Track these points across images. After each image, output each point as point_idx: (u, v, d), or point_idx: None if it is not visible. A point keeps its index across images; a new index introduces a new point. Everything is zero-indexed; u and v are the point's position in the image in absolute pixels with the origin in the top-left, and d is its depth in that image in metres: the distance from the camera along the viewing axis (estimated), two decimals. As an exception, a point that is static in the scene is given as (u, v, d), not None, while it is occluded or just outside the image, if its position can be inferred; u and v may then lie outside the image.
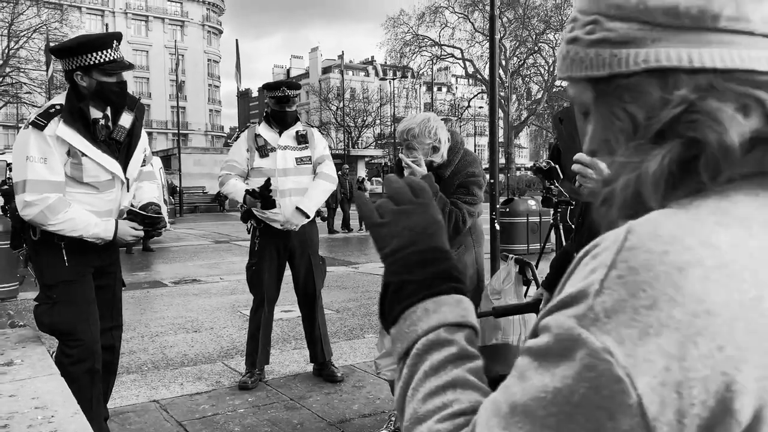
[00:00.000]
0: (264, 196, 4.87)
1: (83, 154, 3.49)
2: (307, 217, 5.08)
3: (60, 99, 3.60)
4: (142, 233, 3.74)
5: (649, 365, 0.61)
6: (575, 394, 0.63)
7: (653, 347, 0.61)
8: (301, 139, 5.19)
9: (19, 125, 42.77)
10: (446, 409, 0.77)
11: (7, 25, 40.94)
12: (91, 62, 3.48)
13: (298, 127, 5.25)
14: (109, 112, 3.61)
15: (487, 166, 8.35)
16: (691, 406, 0.61)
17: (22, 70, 41.50)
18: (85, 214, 3.52)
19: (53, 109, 3.50)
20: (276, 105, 5.19)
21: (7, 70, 41.02)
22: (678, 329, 0.61)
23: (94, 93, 3.53)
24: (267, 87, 5.26)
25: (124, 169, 3.69)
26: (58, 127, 3.44)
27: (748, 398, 0.61)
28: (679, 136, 0.70)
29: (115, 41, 3.57)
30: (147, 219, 3.75)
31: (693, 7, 0.70)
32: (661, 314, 0.62)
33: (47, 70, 31.66)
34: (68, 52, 3.53)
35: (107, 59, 3.50)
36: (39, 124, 3.44)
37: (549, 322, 0.67)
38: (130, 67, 3.68)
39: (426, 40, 50.35)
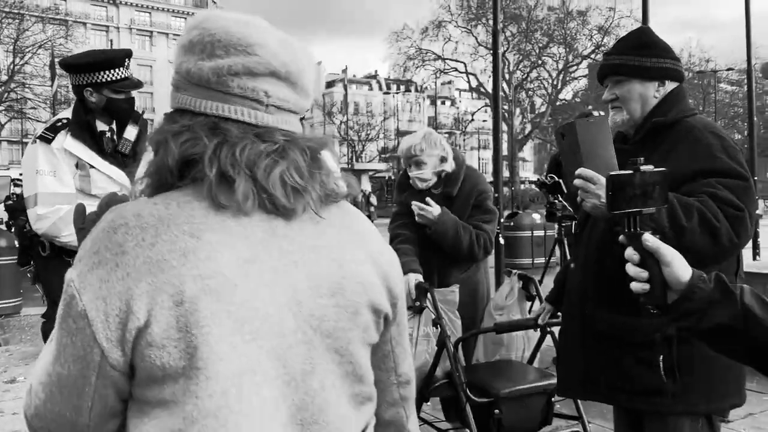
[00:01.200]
0: None
1: (91, 166, 3.51)
2: None
3: (66, 113, 3.62)
4: None
5: (90, 287, 1.04)
6: (62, 309, 1.08)
7: (94, 276, 1.05)
8: None
9: (24, 140, 43.00)
10: None
11: (13, 40, 41.23)
12: (103, 80, 3.49)
13: None
14: (114, 125, 3.63)
15: (491, 179, 8.35)
16: (112, 310, 1.03)
17: (27, 85, 41.74)
18: None
19: (60, 123, 3.53)
20: None
21: (12, 85, 41.25)
22: (107, 264, 1.05)
23: (103, 109, 3.55)
24: None
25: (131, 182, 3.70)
26: (65, 140, 3.46)
27: (142, 303, 1.02)
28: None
29: (126, 59, 3.59)
30: None
31: (195, 73, 1.13)
32: (100, 255, 1.06)
33: (52, 86, 31.83)
34: (80, 69, 3.54)
35: (118, 77, 3.52)
36: (46, 138, 3.46)
37: None
38: (139, 85, 3.70)
39: (429, 54, 50.46)
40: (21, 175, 3.87)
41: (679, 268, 1.35)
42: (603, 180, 2.08)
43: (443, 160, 3.68)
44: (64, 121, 3.54)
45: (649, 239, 1.36)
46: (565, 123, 2.33)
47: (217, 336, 1.03)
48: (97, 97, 3.53)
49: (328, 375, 1.14)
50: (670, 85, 2.42)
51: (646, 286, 1.37)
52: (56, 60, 29.70)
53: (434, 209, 3.54)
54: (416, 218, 3.60)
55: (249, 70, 1.12)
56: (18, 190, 15.26)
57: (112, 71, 3.50)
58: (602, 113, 2.47)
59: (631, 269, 1.38)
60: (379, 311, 1.21)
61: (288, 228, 1.14)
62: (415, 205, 3.58)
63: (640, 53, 2.40)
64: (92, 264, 1.06)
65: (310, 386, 1.11)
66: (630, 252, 1.39)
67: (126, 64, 3.57)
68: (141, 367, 1.04)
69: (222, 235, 1.08)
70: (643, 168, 1.41)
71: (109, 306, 1.02)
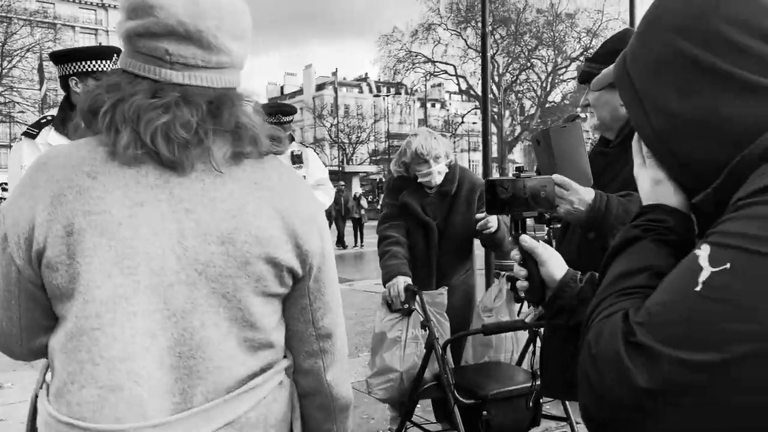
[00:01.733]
0: None
1: None
2: None
3: (53, 112, 3.64)
4: None
5: (11, 213, 1.21)
6: None
7: (15, 205, 1.21)
8: (296, 159, 5.24)
9: (12, 144, 42.56)
10: None
11: (1, 44, 40.98)
12: (88, 69, 3.50)
13: (294, 147, 5.28)
14: None
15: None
16: (23, 233, 1.18)
17: (16, 89, 41.53)
18: None
19: (44, 120, 3.56)
20: None
21: (0, 89, 41.00)
22: (24, 195, 1.20)
23: None
24: (262, 108, 5.28)
25: None
26: (49, 135, 3.48)
27: (42, 229, 1.17)
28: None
29: (115, 55, 3.60)
30: None
31: (121, 35, 1.26)
32: (23, 188, 1.22)
33: (40, 89, 31.69)
34: (67, 58, 3.56)
35: (104, 69, 3.53)
36: (31, 134, 3.50)
37: None
38: None
39: (419, 56, 50.51)
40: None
41: (553, 267, 1.43)
42: (575, 185, 2.13)
43: (447, 153, 3.80)
44: (49, 117, 3.57)
45: (526, 240, 1.45)
46: (541, 130, 2.37)
47: (97, 266, 1.17)
48: (81, 88, 3.53)
49: (211, 316, 1.23)
50: None
51: (525, 284, 1.46)
52: (44, 62, 29.66)
53: (493, 221, 3.56)
54: (484, 234, 3.60)
55: (148, 30, 1.22)
56: (6, 195, 15.19)
57: (98, 62, 3.52)
58: (588, 116, 2.50)
59: (515, 268, 1.48)
60: (279, 265, 1.27)
61: (183, 178, 1.23)
62: (481, 225, 3.57)
63: (609, 62, 2.40)
64: (16, 195, 1.22)
65: (190, 323, 1.21)
66: (514, 252, 1.48)
67: (114, 59, 3.58)
68: (46, 285, 1.21)
69: (116, 179, 1.20)
70: (524, 175, 1.51)
71: (20, 229, 1.19)
